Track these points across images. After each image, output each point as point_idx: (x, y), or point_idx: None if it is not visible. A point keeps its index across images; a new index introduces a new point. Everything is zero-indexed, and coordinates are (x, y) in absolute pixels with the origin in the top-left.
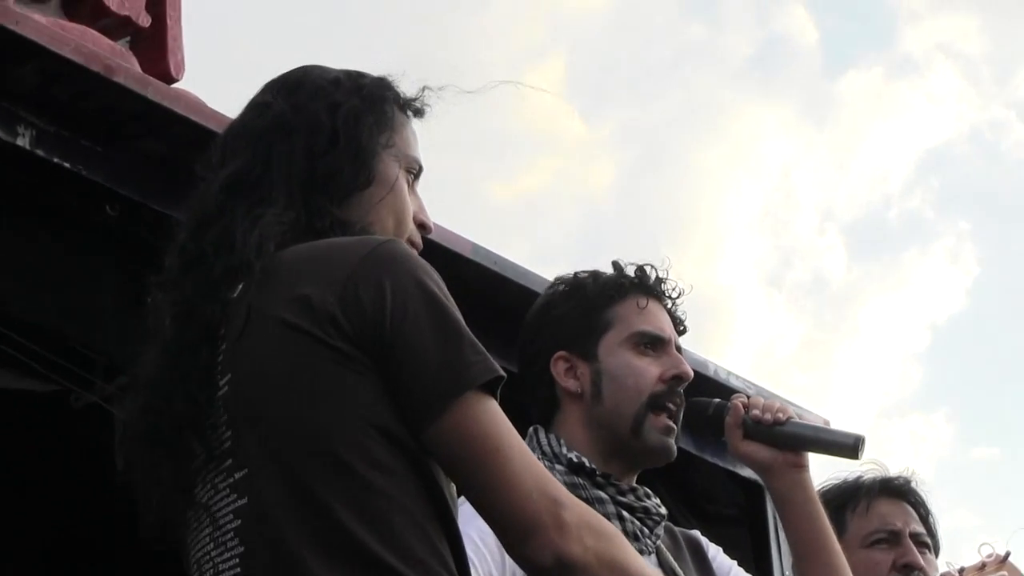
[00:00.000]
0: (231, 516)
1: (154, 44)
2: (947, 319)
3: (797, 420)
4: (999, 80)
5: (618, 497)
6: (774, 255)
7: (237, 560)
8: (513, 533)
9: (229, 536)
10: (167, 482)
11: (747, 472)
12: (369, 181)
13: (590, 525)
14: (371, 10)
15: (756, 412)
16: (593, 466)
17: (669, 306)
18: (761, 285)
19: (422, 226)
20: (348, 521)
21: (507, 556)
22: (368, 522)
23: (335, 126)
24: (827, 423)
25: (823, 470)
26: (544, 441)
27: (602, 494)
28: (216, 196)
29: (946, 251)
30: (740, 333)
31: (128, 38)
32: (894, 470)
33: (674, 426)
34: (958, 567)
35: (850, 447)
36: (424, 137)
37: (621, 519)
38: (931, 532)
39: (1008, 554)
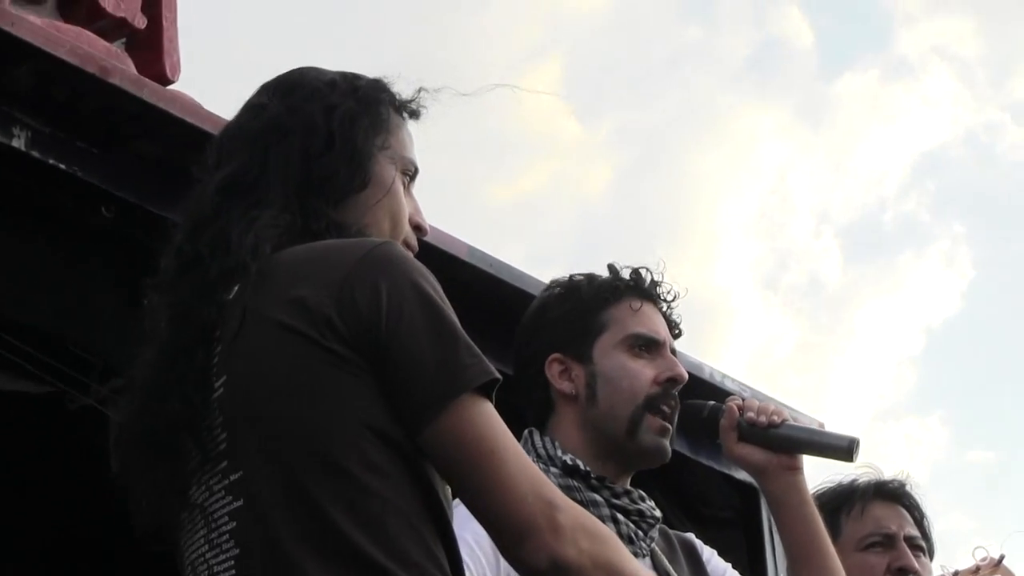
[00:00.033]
0: (226, 518)
1: (150, 46)
2: (942, 322)
3: (792, 423)
4: (994, 83)
5: (613, 500)
6: (770, 257)
7: (232, 562)
8: (508, 535)
9: (224, 538)
10: (161, 484)
11: (742, 475)
12: (365, 183)
13: (585, 528)
14: (369, 11)
15: (751, 415)
16: (588, 469)
17: (664, 309)
18: (757, 287)
19: (418, 228)
20: (343, 523)
21: (502, 559)
22: (363, 524)
23: (331, 128)
24: (822, 426)
25: (818, 473)
26: (539, 444)
27: (597, 497)
28: (212, 198)
29: (941, 254)
30: (736, 336)
31: (124, 39)
32: (889, 473)
33: (669, 427)
34: (952, 571)
35: (844, 449)
36: (420, 139)
37: (616, 522)
38: (926, 535)
39: (1002, 557)
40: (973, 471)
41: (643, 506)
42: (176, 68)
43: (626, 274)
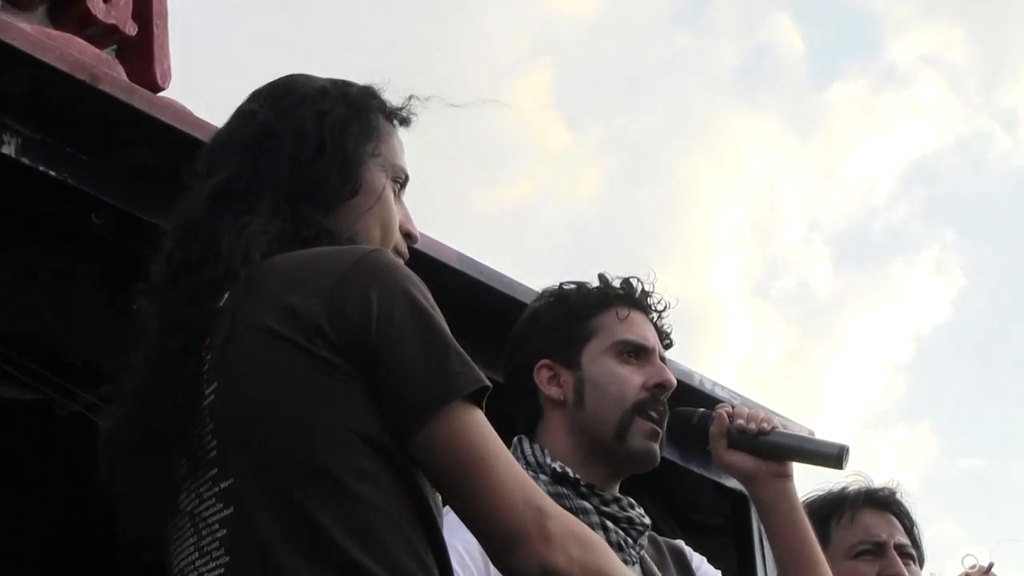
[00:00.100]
0: (216, 525)
1: (140, 53)
2: (932, 330)
3: (781, 430)
4: (984, 91)
5: (602, 507)
6: (760, 266)
7: (222, 570)
8: (498, 543)
9: (215, 546)
10: (150, 492)
11: (732, 483)
12: (355, 190)
13: (575, 535)
14: (358, 20)
15: (740, 422)
16: (577, 476)
17: (655, 319)
18: (747, 295)
19: (408, 235)
20: (333, 531)
21: (491, 567)
22: (353, 532)
23: (321, 135)
24: (812, 433)
25: (808, 481)
26: (528, 451)
27: (586, 504)
28: (203, 205)
29: (931, 262)
30: (726, 343)
31: (114, 46)
32: (879, 481)
33: (659, 431)
34: None
35: (834, 457)
36: (410, 145)
37: (605, 529)
38: (916, 543)
39: (991, 565)
40: (963, 479)
41: (632, 513)
42: (167, 75)
43: (616, 283)
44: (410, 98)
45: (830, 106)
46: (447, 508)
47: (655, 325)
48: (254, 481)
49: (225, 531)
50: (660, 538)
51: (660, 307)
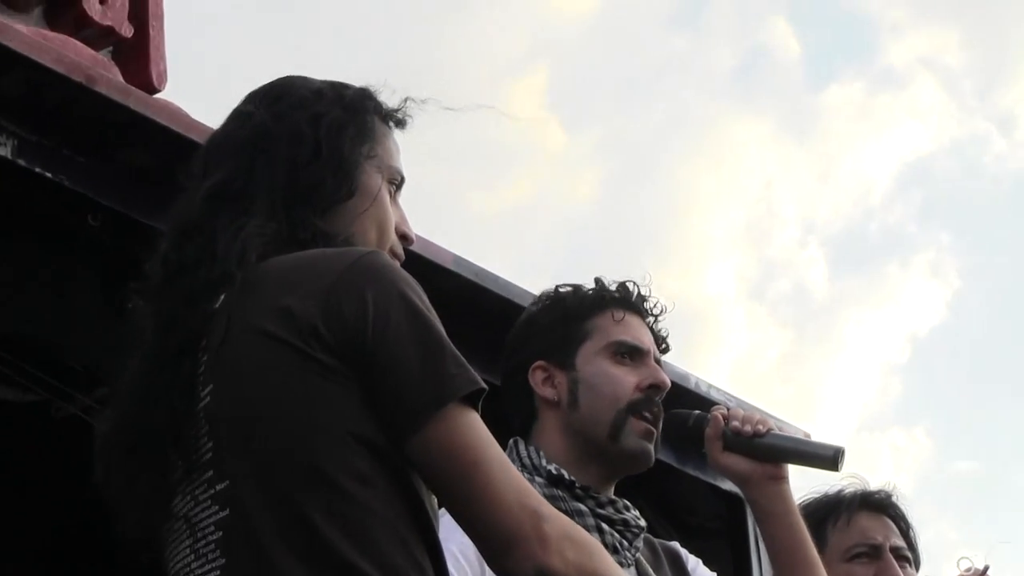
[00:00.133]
0: (212, 527)
1: (136, 54)
2: (928, 332)
3: (777, 432)
4: (980, 93)
5: (597, 509)
6: (756, 267)
7: (218, 572)
8: (494, 545)
9: (210, 548)
10: (146, 494)
11: (728, 485)
12: (352, 192)
13: (571, 538)
14: (354, 22)
15: (736, 424)
16: (572, 478)
17: (651, 323)
18: (743, 297)
19: (404, 237)
20: (329, 532)
21: (487, 569)
22: (349, 533)
23: (317, 137)
24: (808, 436)
25: (804, 483)
26: (524, 453)
27: (582, 506)
28: (199, 206)
29: (927, 264)
30: (722, 346)
31: (110, 48)
32: (875, 484)
33: (654, 431)
34: None
35: (830, 459)
36: (406, 147)
37: (601, 531)
38: (912, 546)
39: (987, 568)
40: (959, 481)
41: (628, 515)
42: (163, 77)
43: (613, 287)
44: (406, 100)
45: (826, 108)
46: (443, 510)
47: (651, 329)
48: (250, 483)
49: (221, 533)
50: (656, 540)
51: (656, 311)
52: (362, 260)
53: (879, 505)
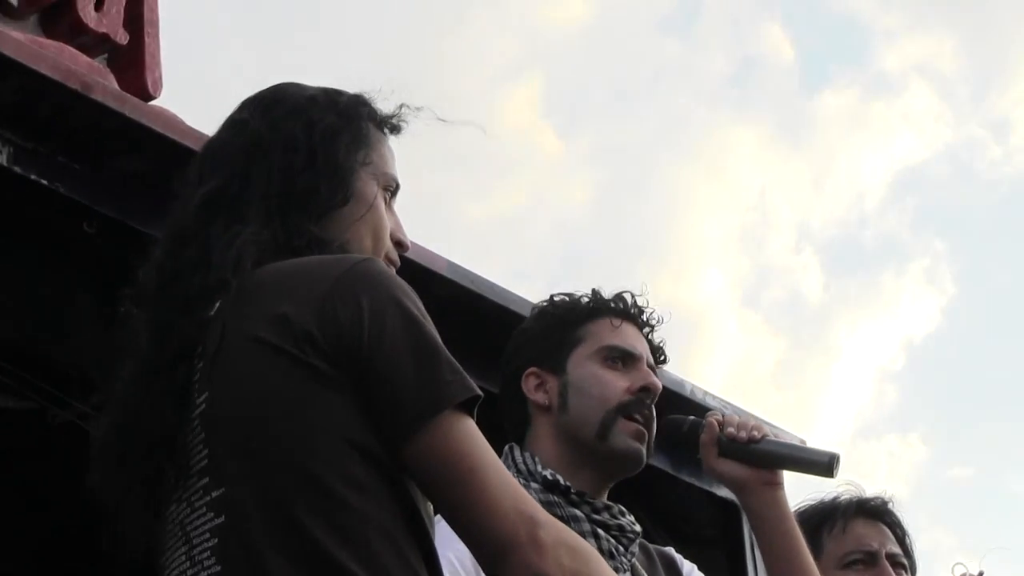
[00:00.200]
0: (208, 534)
1: (132, 61)
2: (923, 339)
3: (772, 438)
4: (974, 100)
5: (593, 515)
6: (750, 274)
7: None
8: (490, 552)
9: (206, 555)
10: (140, 501)
11: (724, 492)
12: (347, 199)
13: (567, 544)
14: (349, 29)
15: (731, 430)
16: (567, 483)
17: (647, 334)
18: (737, 304)
19: (399, 244)
20: (325, 539)
21: None
22: (345, 541)
23: (312, 144)
24: (803, 442)
25: (799, 490)
26: (519, 459)
27: (577, 512)
28: (194, 214)
29: (922, 271)
30: (717, 352)
31: (106, 55)
32: (870, 491)
33: (645, 432)
34: None
35: (825, 465)
36: (400, 154)
37: (596, 537)
38: (907, 553)
39: (981, 574)
40: (954, 488)
41: (623, 521)
42: (158, 84)
43: (608, 296)
44: (401, 106)
45: (820, 115)
46: (438, 517)
47: (647, 339)
48: (245, 490)
49: (216, 540)
50: (651, 545)
51: (653, 321)
52: (357, 267)
53: (875, 512)
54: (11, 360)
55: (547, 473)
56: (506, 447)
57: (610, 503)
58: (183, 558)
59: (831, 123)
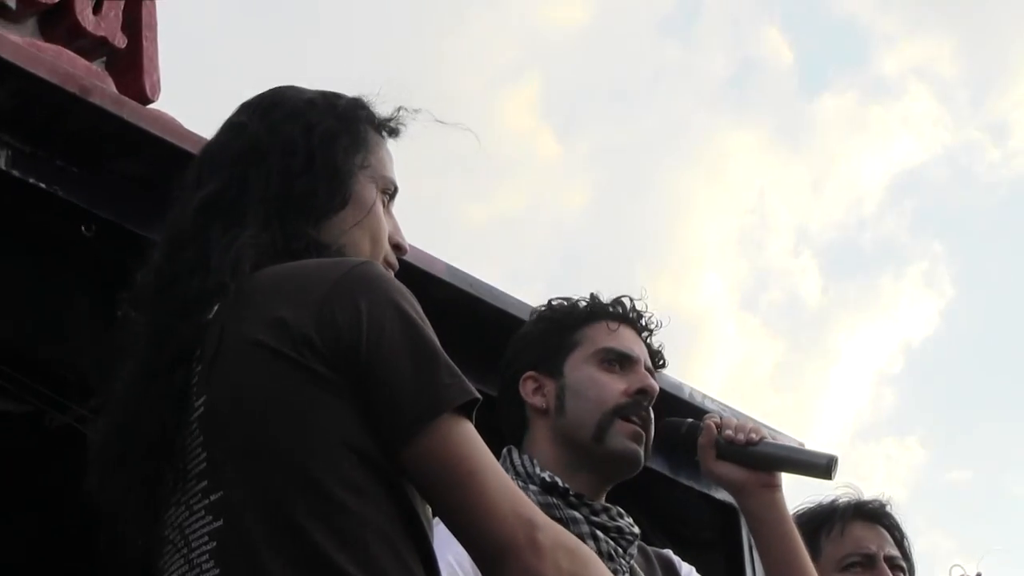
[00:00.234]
0: (206, 538)
1: (130, 65)
2: (921, 341)
3: (770, 440)
4: (973, 103)
5: (592, 517)
6: (749, 277)
7: None
8: (488, 555)
9: (204, 558)
10: (138, 503)
11: (722, 495)
12: (345, 202)
13: (565, 547)
14: (348, 32)
15: (729, 432)
16: (566, 485)
17: (646, 338)
18: (736, 307)
19: (397, 247)
20: (323, 543)
21: None
22: (343, 544)
23: (310, 147)
24: (801, 445)
25: (798, 493)
26: (518, 461)
27: (576, 514)
28: (192, 217)
29: (920, 274)
30: (715, 355)
31: (104, 59)
32: (869, 493)
33: (643, 433)
34: None
35: (823, 467)
36: (399, 157)
37: (595, 539)
38: (906, 556)
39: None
40: (952, 491)
41: (622, 523)
42: (156, 87)
43: (607, 300)
44: (399, 109)
45: (819, 118)
46: (438, 521)
47: (646, 343)
48: (244, 493)
49: (215, 543)
50: (649, 548)
51: (652, 325)
52: (355, 270)
53: (873, 515)
54: (9, 363)
55: (545, 475)
56: (504, 450)
57: (608, 505)
58: (181, 561)
59: (830, 126)
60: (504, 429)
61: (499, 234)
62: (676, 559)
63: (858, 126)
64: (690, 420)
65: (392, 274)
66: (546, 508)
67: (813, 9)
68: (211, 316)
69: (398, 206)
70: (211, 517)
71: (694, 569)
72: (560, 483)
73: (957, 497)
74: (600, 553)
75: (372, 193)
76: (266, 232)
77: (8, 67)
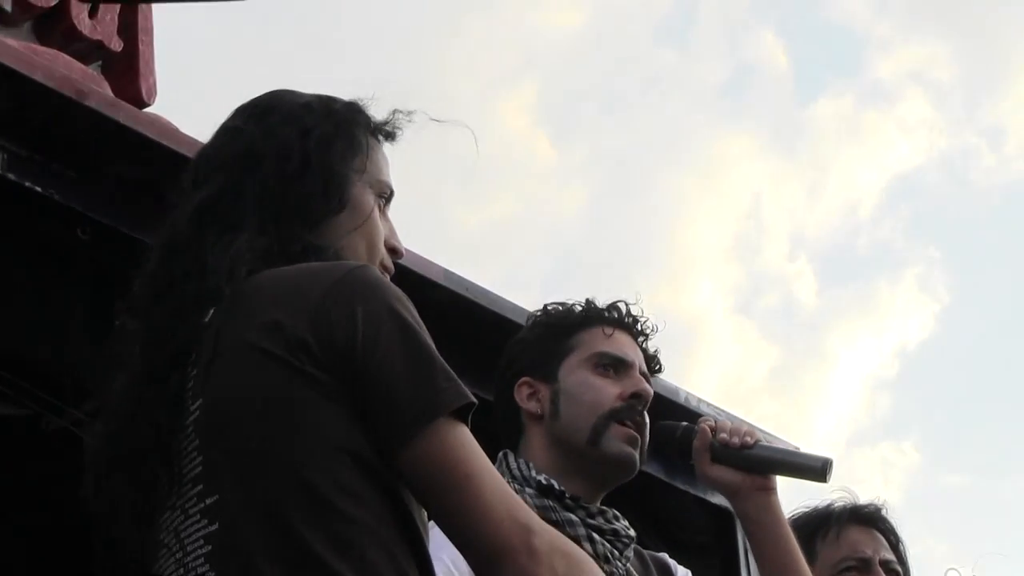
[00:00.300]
0: (201, 541)
1: (126, 68)
2: (917, 346)
3: (765, 443)
4: (969, 108)
5: (588, 519)
6: (744, 282)
7: None
8: (484, 559)
9: (199, 562)
10: (134, 508)
11: (718, 499)
12: (341, 206)
13: (561, 551)
14: (344, 36)
15: (724, 436)
16: (562, 488)
17: (641, 343)
18: (731, 311)
19: (394, 251)
20: (319, 547)
21: None
22: (339, 548)
23: (306, 151)
24: (796, 449)
25: (793, 497)
26: (514, 465)
27: (572, 516)
28: (188, 221)
29: (916, 279)
30: (710, 360)
31: (100, 62)
32: (864, 498)
33: (638, 437)
34: None
35: (818, 470)
36: (395, 161)
37: (591, 541)
38: (901, 560)
39: None
40: (948, 495)
41: (618, 525)
42: (152, 91)
43: (602, 306)
44: (394, 112)
45: (815, 122)
46: (433, 523)
47: (641, 348)
48: (239, 497)
49: (210, 547)
50: (645, 551)
51: (647, 330)
52: (351, 274)
53: (868, 519)
54: (5, 367)
55: (541, 478)
56: (500, 454)
57: (604, 508)
58: (176, 565)
59: (826, 131)
60: (500, 434)
61: (496, 238)
62: (672, 562)
63: (854, 131)
64: (684, 424)
65: (388, 278)
66: (542, 511)
67: (809, 14)
68: (207, 320)
69: (394, 210)
70: (206, 521)
71: (690, 573)
72: (556, 486)
73: (952, 501)
74: (596, 555)
75: (368, 197)
76: (262, 236)
77: (4, 71)
